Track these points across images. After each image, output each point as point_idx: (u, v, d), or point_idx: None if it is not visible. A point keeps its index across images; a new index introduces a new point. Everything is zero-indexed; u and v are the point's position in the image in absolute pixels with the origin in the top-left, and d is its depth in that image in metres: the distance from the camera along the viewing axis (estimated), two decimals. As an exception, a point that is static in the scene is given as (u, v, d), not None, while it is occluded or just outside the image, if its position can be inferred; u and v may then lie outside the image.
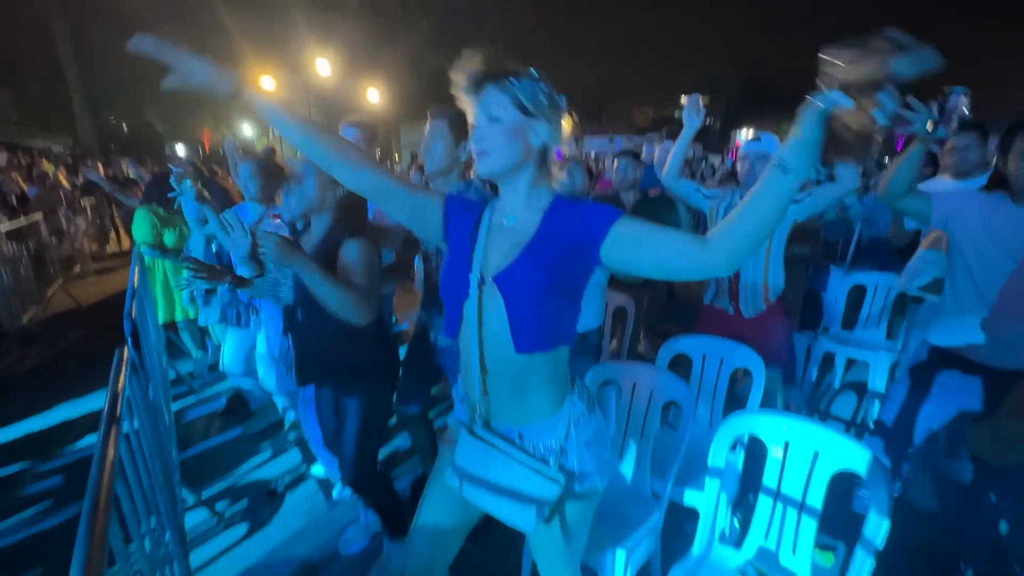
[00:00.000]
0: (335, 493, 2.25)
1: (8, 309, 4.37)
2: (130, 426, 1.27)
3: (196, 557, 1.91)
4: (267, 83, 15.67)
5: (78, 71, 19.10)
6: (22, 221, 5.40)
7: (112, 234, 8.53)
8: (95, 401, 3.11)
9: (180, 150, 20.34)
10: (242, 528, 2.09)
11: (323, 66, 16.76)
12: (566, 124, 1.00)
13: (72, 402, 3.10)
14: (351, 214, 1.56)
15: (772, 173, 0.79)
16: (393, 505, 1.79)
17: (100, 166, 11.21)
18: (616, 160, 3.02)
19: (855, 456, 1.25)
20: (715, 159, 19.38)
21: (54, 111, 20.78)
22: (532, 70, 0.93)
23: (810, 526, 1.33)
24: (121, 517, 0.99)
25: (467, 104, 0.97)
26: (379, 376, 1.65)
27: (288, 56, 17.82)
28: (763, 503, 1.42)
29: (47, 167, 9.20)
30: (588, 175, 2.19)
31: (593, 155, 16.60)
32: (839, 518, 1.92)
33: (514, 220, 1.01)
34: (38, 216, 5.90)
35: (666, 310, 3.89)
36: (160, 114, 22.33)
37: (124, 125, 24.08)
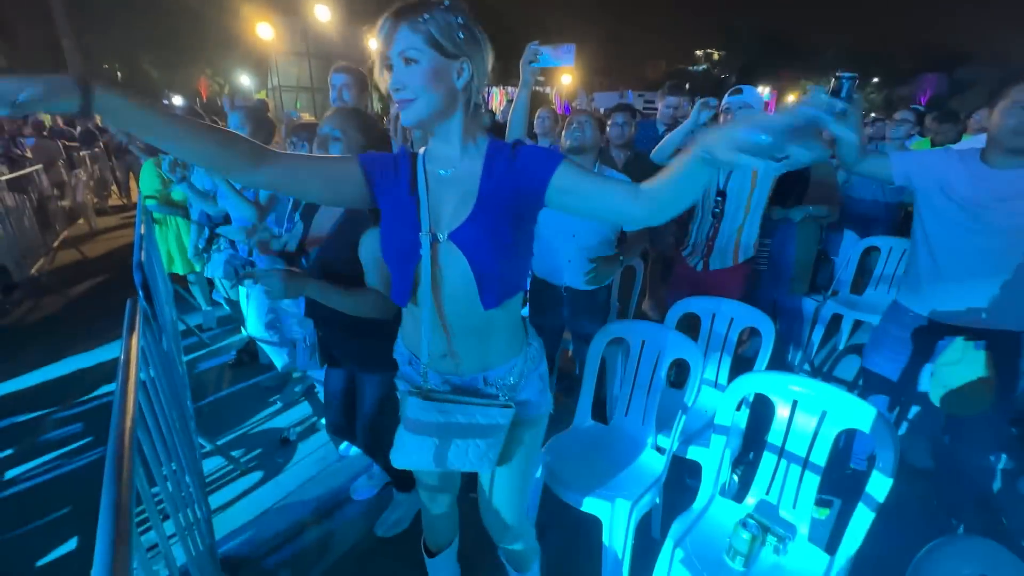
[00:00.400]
0: (341, 449, 2.32)
1: (15, 260, 4.39)
2: (146, 375, 1.29)
3: (214, 500, 2.00)
4: (265, 30, 15.03)
5: (68, 16, 18.31)
6: (24, 171, 5.33)
7: (113, 187, 8.44)
8: (108, 352, 3.17)
9: (177, 100, 19.79)
10: (257, 475, 2.17)
11: (322, 12, 16.01)
12: (490, 60, 0.93)
13: (85, 352, 3.16)
14: None
15: (695, 162, 0.74)
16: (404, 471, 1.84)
17: (98, 118, 10.95)
18: (611, 115, 2.90)
19: (862, 415, 1.26)
20: (728, 117, 18.65)
21: (44, 57, 20.07)
22: (445, 1, 0.85)
23: (812, 481, 1.36)
24: (144, 460, 1.02)
25: (383, 51, 0.88)
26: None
27: (285, 2, 16.99)
28: (767, 459, 1.44)
29: (44, 117, 8.97)
30: (600, 130, 2.10)
31: (603, 111, 16.09)
32: (836, 473, 1.98)
33: (451, 171, 0.96)
34: (38, 167, 5.82)
35: (663, 274, 3.86)
36: (155, 62, 21.60)
37: (119, 74, 23.33)
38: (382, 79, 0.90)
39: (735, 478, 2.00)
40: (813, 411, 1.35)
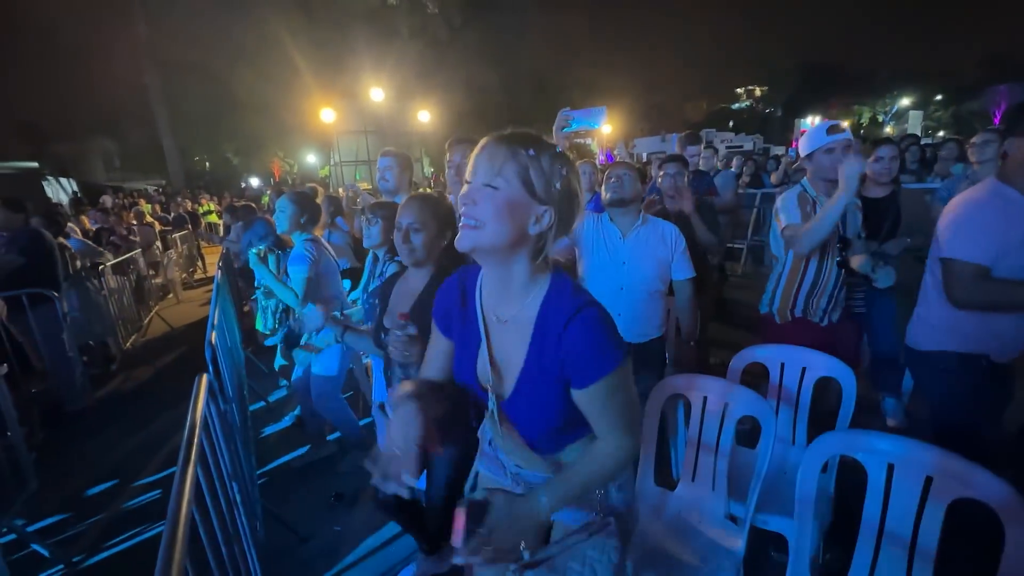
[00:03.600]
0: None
1: (114, 335, 4.89)
2: (208, 448, 1.35)
3: (271, 570, 1.99)
4: (327, 114, 16.71)
5: (167, 118, 21.40)
6: (126, 255, 6.05)
7: (198, 263, 9.39)
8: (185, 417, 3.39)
9: (254, 181, 22.11)
10: (314, 546, 2.16)
11: (376, 93, 17.65)
12: (579, 217, 0.86)
13: (171, 416, 3.40)
14: (455, 265, 1.54)
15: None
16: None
17: (188, 202, 12.42)
18: (663, 166, 2.86)
19: (978, 483, 1.07)
20: (778, 150, 18.25)
21: (148, 155, 23.35)
22: (557, 148, 0.82)
23: (926, 564, 1.15)
24: (199, 539, 1.04)
25: (473, 158, 0.83)
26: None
27: (346, 87, 18.95)
28: (866, 534, 1.25)
29: (144, 207, 10.29)
30: (641, 180, 2.09)
31: (645, 157, 16.17)
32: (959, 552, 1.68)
33: (510, 318, 0.89)
34: (138, 251, 6.59)
35: (716, 318, 3.68)
36: (235, 150, 24.44)
37: (207, 163, 26.57)
38: (455, 181, 0.92)
39: (828, 556, 1.75)
40: (914, 478, 1.17)
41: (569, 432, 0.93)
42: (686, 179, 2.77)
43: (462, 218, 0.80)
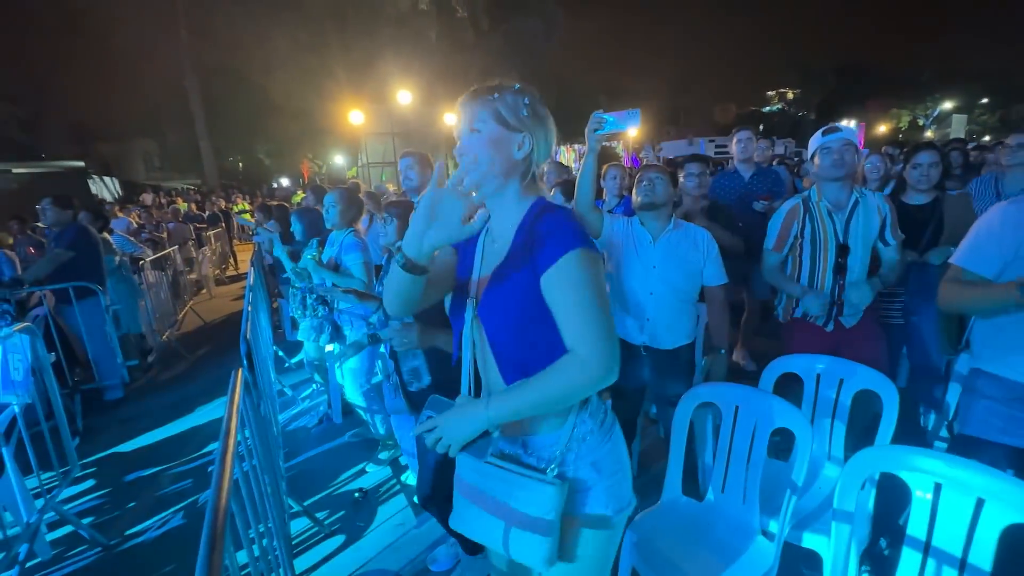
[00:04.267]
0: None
1: (151, 328, 5.08)
2: (242, 438, 1.38)
3: (299, 563, 2.04)
4: (356, 116, 17.04)
5: (205, 120, 22.19)
6: (164, 251, 6.30)
7: (231, 260, 9.69)
8: (221, 409, 3.49)
9: (284, 181, 22.68)
10: (339, 539, 2.20)
11: (404, 96, 17.90)
12: (553, 136, 0.99)
13: (204, 407, 3.56)
14: None
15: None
16: None
17: (222, 201, 12.85)
18: (685, 166, 2.81)
19: (1037, 508, 1.01)
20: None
21: (186, 156, 24.25)
22: (516, 85, 0.95)
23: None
24: (235, 530, 1.07)
25: (457, 125, 0.98)
26: None
27: (374, 91, 19.30)
28: (909, 557, 1.19)
29: (181, 205, 10.70)
30: (673, 184, 2.05)
31: (671, 158, 15.94)
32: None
33: (495, 242, 1.00)
34: (175, 247, 6.85)
35: (759, 325, 3.57)
36: (267, 152, 25.17)
37: (240, 164, 27.42)
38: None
39: (865, 574, 1.68)
40: (965, 499, 1.11)
41: (534, 341, 0.93)
42: (707, 179, 2.73)
43: (461, 164, 0.92)
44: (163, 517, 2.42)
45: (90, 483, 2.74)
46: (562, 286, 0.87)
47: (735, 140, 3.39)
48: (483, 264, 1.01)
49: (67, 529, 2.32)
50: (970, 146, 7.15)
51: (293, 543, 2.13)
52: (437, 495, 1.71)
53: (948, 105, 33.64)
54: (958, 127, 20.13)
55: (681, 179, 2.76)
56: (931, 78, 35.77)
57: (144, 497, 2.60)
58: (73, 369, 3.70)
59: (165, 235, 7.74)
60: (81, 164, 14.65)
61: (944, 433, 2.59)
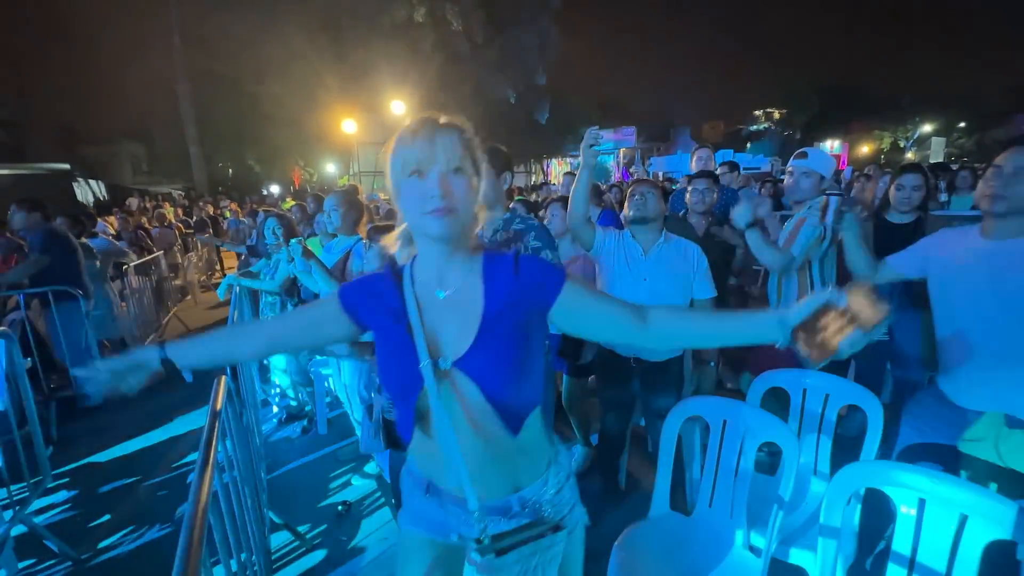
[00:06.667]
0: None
1: (132, 334, 4.97)
2: (223, 449, 1.35)
3: (280, 579, 1.98)
4: (349, 125, 17.05)
5: (195, 125, 22.03)
6: (147, 257, 6.18)
7: (217, 267, 9.54)
8: (200, 418, 3.41)
9: (275, 188, 22.54)
10: (321, 553, 2.14)
11: (397, 106, 17.99)
12: (488, 187, 0.93)
13: (184, 416, 3.45)
14: None
15: (771, 323, 0.81)
16: None
17: (210, 207, 12.70)
18: (692, 182, 2.85)
19: (1020, 526, 1.02)
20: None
21: (174, 160, 23.99)
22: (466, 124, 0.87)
23: (960, 606, 1.10)
24: (212, 541, 1.03)
25: (418, 151, 0.82)
26: None
27: (367, 100, 19.37)
28: (894, 573, 1.20)
29: (168, 210, 10.53)
30: (664, 199, 2.08)
31: (661, 176, 16.17)
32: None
33: (450, 291, 0.89)
34: (160, 252, 6.73)
35: None
36: (257, 158, 25.02)
37: (230, 170, 27.20)
38: (401, 186, 0.85)
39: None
40: (949, 515, 1.12)
41: (527, 390, 0.90)
42: (714, 196, 2.77)
43: (437, 206, 0.80)
44: (138, 530, 2.34)
45: (63, 494, 2.65)
46: (585, 293, 0.91)
47: (695, 157, 3.51)
48: (425, 322, 0.89)
49: (37, 542, 2.24)
50: (955, 166, 7.37)
51: (273, 557, 2.07)
52: None
53: (928, 128, 34.68)
54: (937, 149, 20.72)
55: (688, 191, 2.81)
56: (912, 102, 36.89)
57: (119, 509, 2.51)
58: (49, 375, 3.59)
59: (149, 240, 7.61)
60: (66, 167, 14.38)
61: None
